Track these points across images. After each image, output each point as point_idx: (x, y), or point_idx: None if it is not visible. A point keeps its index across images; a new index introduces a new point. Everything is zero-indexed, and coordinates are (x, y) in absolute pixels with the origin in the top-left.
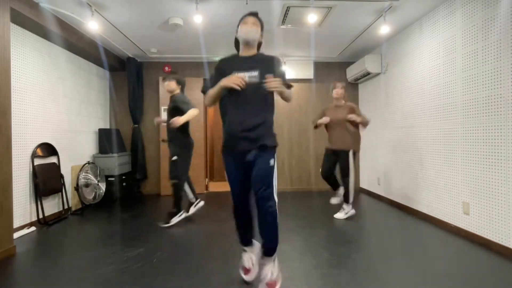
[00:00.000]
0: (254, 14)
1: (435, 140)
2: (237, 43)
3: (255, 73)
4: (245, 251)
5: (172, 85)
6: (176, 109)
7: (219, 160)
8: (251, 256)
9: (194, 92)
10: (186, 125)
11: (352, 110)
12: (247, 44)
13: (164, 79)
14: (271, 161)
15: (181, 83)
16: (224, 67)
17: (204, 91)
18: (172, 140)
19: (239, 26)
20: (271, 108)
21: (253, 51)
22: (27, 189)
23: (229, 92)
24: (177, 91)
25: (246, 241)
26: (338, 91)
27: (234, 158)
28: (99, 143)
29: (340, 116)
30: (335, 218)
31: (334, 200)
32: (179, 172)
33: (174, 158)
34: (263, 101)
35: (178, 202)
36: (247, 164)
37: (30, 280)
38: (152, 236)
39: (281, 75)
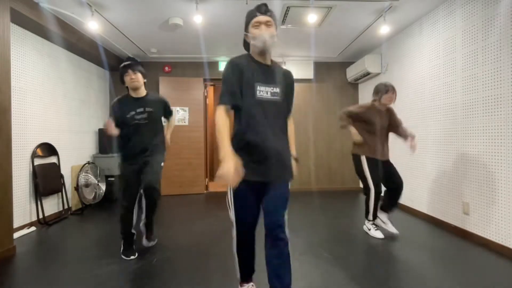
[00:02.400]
0: (265, 10)
1: (435, 140)
2: (246, 43)
3: (277, 90)
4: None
5: (140, 78)
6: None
7: (219, 160)
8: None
9: (195, 92)
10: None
11: (393, 114)
12: (264, 53)
13: (126, 72)
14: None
15: (145, 76)
16: (243, 69)
17: (220, 99)
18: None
19: (250, 28)
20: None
21: (269, 58)
22: (27, 189)
23: (247, 109)
24: (143, 86)
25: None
26: (392, 97)
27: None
28: (99, 143)
29: (386, 123)
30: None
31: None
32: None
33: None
34: (283, 122)
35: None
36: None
37: (30, 280)
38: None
39: (291, 100)
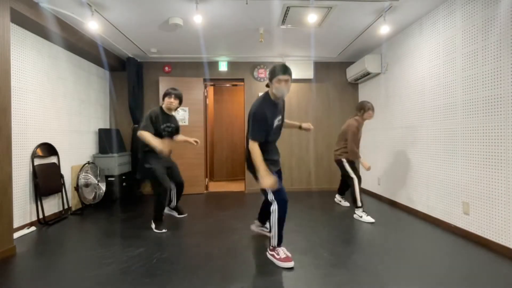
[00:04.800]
0: (288, 72)
1: (435, 140)
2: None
3: (280, 117)
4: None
5: (176, 104)
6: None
7: (219, 161)
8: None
9: (194, 92)
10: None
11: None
12: (279, 99)
13: (170, 95)
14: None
15: (181, 104)
16: (268, 114)
17: (253, 137)
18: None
19: (274, 82)
20: None
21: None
22: (27, 189)
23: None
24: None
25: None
26: (373, 114)
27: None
28: (99, 143)
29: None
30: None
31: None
32: None
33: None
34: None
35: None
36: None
37: (30, 280)
38: (152, 236)
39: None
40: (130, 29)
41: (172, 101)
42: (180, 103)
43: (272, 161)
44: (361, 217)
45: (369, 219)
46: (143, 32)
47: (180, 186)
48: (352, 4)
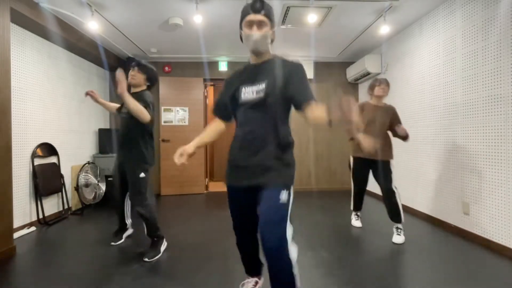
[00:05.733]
0: (259, 8)
1: (435, 140)
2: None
3: (262, 86)
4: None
5: (138, 78)
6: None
7: (219, 160)
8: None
9: (195, 92)
10: (150, 128)
11: (396, 116)
12: (257, 53)
13: (133, 67)
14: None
15: (151, 81)
16: (232, 80)
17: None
18: (135, 148)
19: (243, 26)
20: (283, 129)
21: (264, 57)
22: (27, 189)
23: (236, 115)
24: (144, 87)
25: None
26: (384, 88)
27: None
28: (99, 143)
29: (383, 120)
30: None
31: (357, 223)
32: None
33: (142, 175)
34: (270, 118)
35: (156, 226)
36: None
37: (30, 280)
38: None
39: (300, 87)
40: (130, 29)
41: (133, 74)
42: (149, 79)
43: (232, 164)
44: (351, 219)
45: (358, 223)
46: (143, 32)
47: (132, 205)
48: (352, 4)
